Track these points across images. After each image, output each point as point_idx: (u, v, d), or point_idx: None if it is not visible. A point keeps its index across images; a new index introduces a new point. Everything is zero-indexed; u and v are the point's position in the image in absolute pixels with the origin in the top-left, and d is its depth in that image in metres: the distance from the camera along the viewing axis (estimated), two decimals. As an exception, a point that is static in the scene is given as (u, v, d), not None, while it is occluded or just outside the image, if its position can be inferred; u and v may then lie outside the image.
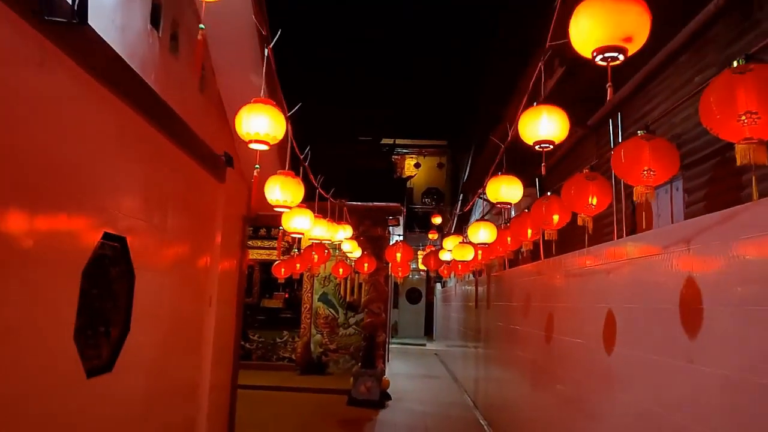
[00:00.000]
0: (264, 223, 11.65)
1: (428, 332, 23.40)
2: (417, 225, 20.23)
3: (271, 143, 2.98)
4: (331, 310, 12.19)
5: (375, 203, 10.57)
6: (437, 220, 12.03)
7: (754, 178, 2.27)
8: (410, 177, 20.60)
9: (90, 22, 2.62)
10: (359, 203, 10.09)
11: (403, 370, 14.17)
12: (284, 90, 4.42)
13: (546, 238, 4.99)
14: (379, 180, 12.35)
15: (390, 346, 17.11)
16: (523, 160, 7.05)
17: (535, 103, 3.16)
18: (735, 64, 2.21)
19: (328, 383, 10.73)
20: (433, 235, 11.32)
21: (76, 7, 2.47)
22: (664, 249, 2.91)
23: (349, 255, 8.44)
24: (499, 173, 4.39)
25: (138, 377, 3.79)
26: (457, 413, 9.29)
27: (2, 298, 2.31)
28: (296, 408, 8.93)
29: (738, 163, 2.20)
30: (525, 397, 6.11)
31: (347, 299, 12.11)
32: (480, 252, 7.23)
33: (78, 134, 2.86)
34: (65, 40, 2.54)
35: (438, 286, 21.19)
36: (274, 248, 12.22)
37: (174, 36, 4.32)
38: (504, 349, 7.49)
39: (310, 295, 12.31)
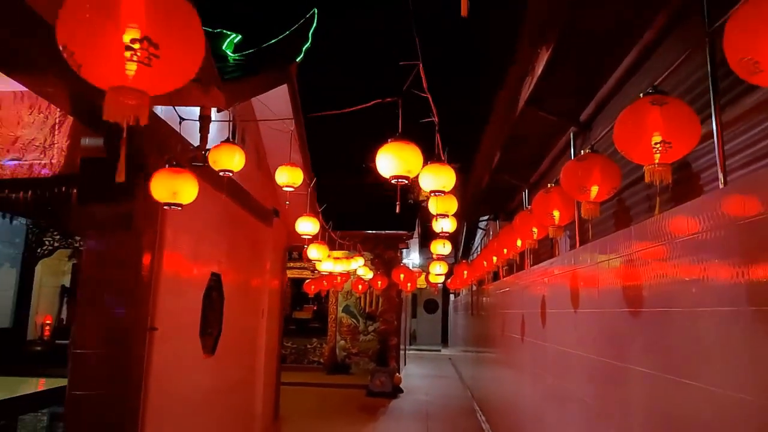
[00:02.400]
0: (297, 248, 13.91)
1: (444, 340, 25.34)
2: (431, 241, 22.36)
3: (313, 234, 5.31)
4: (353, 319, 14.32)
5: (387, 231, 12.71)
6: (439, 243, 14.23)
7: (556, 241, 4.36)
8: (425, 199, 22.64)
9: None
10: (374, 232, 12.26)
11: (416, 372, 16.21)
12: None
13: (501, 265, 7.09)
14: (393, 206, 14.43)
15: (408, 352, 19.14)
16: (499, 197, 9.17)
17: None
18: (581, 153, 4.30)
19: (351, 380, 12.84)
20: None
21: (204, 156, 4.67)
22: (536, 278, 5.00)
23: (363, 277, 10.58)
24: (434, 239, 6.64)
25: (226, 364, 5.98)
26: (456, 403, 11.33)
27: (170, 309, 4.49)
28: (325, 398, 11.08)
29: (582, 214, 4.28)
30: (497, 382, 8.16)
31: (366, 310, 14.23)
32: (466, 272, 9.32)
33: (203, 218, 5.07)
34: (198, 171, 4.75)
35: (452, 296, 23.17)
36: (304, 268, 14.43)
37: (242, 137, 6.54)
38: (487, 347, 9.53)
39: (335, 307, 14.47)
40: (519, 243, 6.11)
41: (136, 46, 1.38)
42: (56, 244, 7.87)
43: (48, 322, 8.17)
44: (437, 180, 3.23)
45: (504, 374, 7.29)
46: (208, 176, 5.04)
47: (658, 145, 2.47)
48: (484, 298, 9.63)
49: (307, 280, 12.07)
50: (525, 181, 7.50)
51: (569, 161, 3.50)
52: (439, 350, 23.37)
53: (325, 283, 10.85)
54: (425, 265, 20.50)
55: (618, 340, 2.98)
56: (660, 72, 3.25)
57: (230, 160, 3.69)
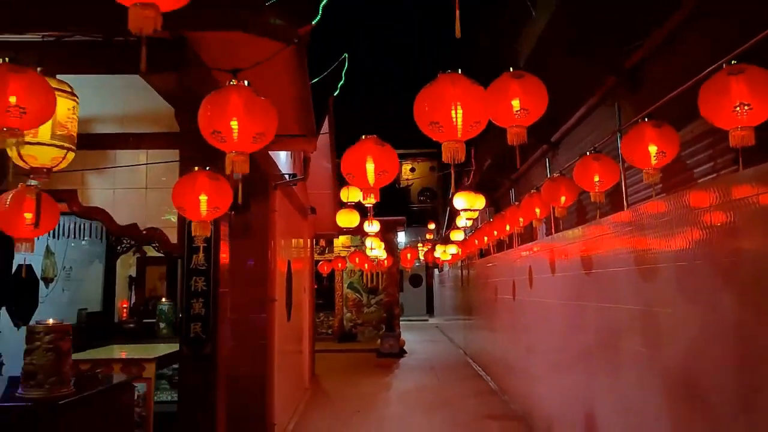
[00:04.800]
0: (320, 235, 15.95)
1: (429, 310, 27.67)
2: (415, 221, 24.51)
3: (376, 233, 7.32)
4: (357, 294, 16.41)
5: (389, 218, 14.86)
6: (432, 226, 16.33)
7: (535, 228, 6.45)
8: (409, 185, 24.78)
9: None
10: (382, 218, 14.41)
11: (412, 338, 18.37)
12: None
13: (493, 243, 9.20)
14: (387, 194, 16.48)
15: (399, 322, 21.35)
16: (490, 186, 11.25)
17: (460, 189, 6.77)
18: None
19: (360, 346, 15.00)
20: (430, 236, 15.50)
21: (291, 179, 6.60)
22: (523, 254, 7.11)
23: (380, 257, 12.66)
24: (454, 230, 8.67)
25: (294, 328, 7.97)
26: (453, 359, 13.56)
27: (277, 287, 6.46)
28: (342, 361, 13.18)
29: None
30: (490, 336, 10.34)
31: (368, 286, 16.33)
32: (460, 250, 11.44)
33: (284, 223, 7.02)
34: (284, 190, 6.69)
35: (435, 271, 25.39)
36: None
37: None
38: (478, 311, 11.72)
39: (340, 284, 16.53)
40: (508, 228, 8.23)
41: (376, 173, 3.36)
42: (132, 242, 9.65)
43: (125, 305, 9.98)
44: (478, 203, 5.38)
45: (498, 329, 9.46)
46: (287, 194, 7.01)
47: (597, 182, 4.54)
48: (477, 271, 11.79)
49: (320, 262, 14.06)
50: (508, 178, 9.61)
51: (546, 180, 5.56)
52: (427, 320, 25.70)
53: (340, 265, 12.88)
54: (409, 243, 22.65)
55: (579, 289, 5.10)
56: (598, 123, 5.35)
57: (351, 221, 5.76)
